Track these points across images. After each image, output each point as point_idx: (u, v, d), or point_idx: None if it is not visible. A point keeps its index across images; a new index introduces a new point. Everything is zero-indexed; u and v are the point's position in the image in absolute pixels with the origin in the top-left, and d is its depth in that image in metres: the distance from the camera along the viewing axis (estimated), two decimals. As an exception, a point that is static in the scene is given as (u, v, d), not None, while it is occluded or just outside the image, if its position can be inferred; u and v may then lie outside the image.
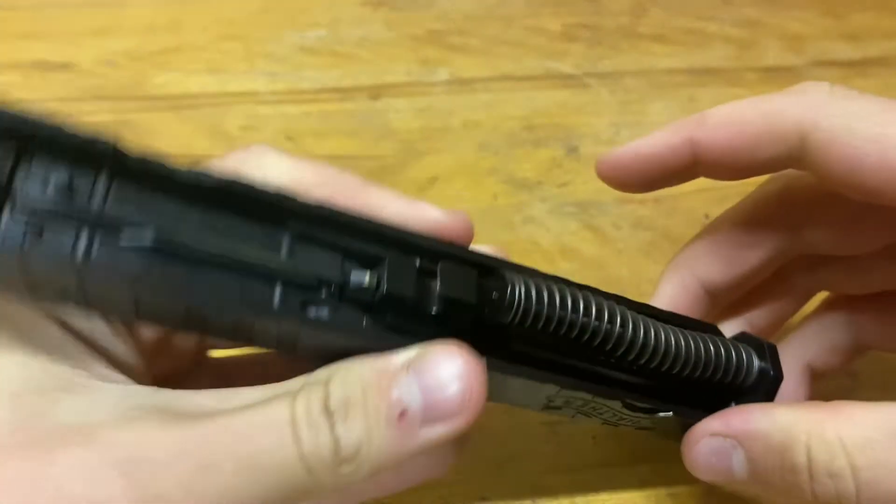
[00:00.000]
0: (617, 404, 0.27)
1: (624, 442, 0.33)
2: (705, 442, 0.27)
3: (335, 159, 0.46)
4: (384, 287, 0.22)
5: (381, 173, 0.45)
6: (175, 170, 0.21)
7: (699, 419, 0.27)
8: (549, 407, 0.27)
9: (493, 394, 0.26)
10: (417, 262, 0.24)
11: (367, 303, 0.23)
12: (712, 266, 0.32)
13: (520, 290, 0.24)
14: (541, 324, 0.24)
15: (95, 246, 0.19)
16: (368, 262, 0.23)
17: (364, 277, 0.23)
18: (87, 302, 0.21)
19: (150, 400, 0.22)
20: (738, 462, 0.26)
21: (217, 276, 0.21)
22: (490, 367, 0.23)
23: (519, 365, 0.25)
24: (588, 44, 0.56)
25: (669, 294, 0.32)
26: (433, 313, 0.23)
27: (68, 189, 0.19)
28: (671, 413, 0.28)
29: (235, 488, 0.20)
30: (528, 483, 0.32)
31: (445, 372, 0.22)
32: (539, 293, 0.24)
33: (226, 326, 0.22)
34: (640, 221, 0.44)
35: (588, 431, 0.34)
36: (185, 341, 0.28)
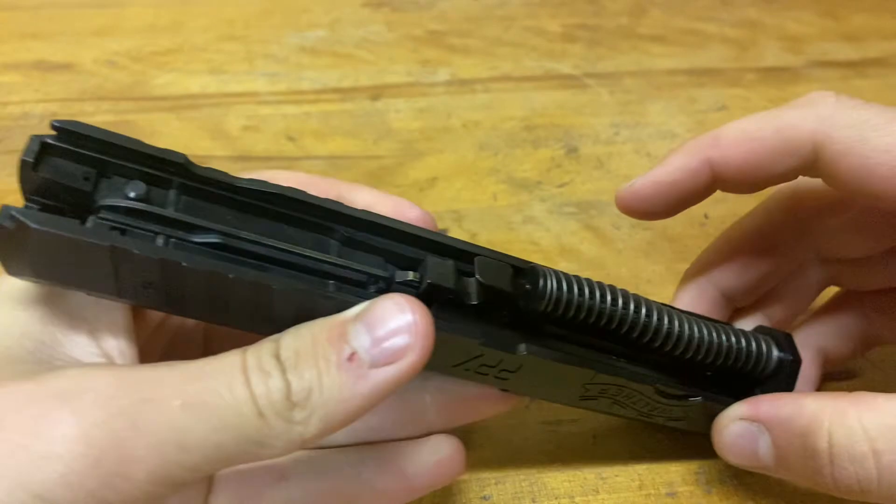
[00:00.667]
0: (650, 390, 0.28)
1: (624, 442, 0.33)
2: (734, 426, 0.28)
3: (335, 159, 0.46)
4: (427, 279, 0.24)
5: (381, 173, 0.45)
6: (236, 179, 0.23)
7: (726, 406, 0.29)
8: (585, 398, 0.28)
9: (530, 389, 0.28)
10: (453, 263, 0.26)
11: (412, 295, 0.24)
12: (729, 274, 0.33)
13: (551, 280, 0.26)
14: (572, 312, 0.26)
15: (171, 243, 0.22)
16: (409, 264, 0.25)
17: (408, 273, 0.25)
18: (168, 296, 0.22)
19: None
20: (765, 446, 0.27)
21: (277, 273, 0.23)
22: (529, 352, 0.25)
23: (555, 350, 0.26)
24: (587, 44, 0.56)
25: (688, 300, 0.33)
26: (473, 303, 0.25)
27: (145, 196, 0.22)
28: (700, 399, 0.29)
29: (184, 426, 0.20)
30: (528, 482, 0.32)
31: (392, 316, 0.22)
32: (569, 284, 0.26)
33: (288, 315, 0.23)
34: (640, 221, 0.43)
35: (588, 431, 0.34)
36: (188, 340, 0.29)
